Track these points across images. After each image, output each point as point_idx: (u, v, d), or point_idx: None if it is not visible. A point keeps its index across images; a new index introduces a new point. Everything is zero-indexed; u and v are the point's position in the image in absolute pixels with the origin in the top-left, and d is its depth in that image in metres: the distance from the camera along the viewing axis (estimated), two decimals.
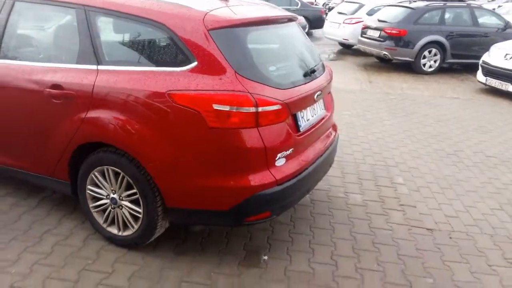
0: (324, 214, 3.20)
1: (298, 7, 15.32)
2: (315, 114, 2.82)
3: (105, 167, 2.52)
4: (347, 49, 12.39)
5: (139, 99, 2.31)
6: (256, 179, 2.29)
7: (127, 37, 2.51)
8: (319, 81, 2.79)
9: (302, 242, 2.83)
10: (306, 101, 2.62)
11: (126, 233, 2.61)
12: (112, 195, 2.57)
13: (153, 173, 2.35)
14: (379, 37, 9.29)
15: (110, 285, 2.32)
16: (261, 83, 2.28)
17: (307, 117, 2.70)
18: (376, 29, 9.46)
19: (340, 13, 12.13)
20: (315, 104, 2.81)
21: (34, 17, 2.84)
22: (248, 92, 2.20)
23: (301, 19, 12.54)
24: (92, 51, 2.50)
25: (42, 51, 2.78)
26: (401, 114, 6.10)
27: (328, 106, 3.10)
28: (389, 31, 8.97)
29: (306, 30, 15.63)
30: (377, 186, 3.72)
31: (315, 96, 2.69)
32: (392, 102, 6.77)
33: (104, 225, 2.67)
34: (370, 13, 11.05)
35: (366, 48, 9.82)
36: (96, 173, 2.58)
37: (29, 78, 2.64)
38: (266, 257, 2.66)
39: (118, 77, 2.39)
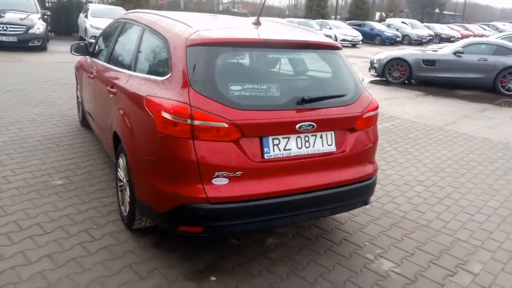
0: (322, 267, 2.77)
1: None
2: (308, 147, 2.56)
3: (122, 154, 3.05)
4: None
5: (134, 100, 2.75)
6: (185, 190, 2.34)
7: (149, 50, 2.99)
8: (315, 112, 2.51)
9: (265, 283, 2.59)
10: (280, 128, 2.44)
11: (125, 214, 3.05)
12: (123, 179, 3.07)
13: (130, 164, 2.72)
14: None
15: (86, 248, 2.80)
16: (211, 99, 2.32)
17: (287, 146, 2.50)
18: None
19: None
20: (309, 136, 2.55)
21: (126, 34, 3.68)
22: (189, 105, 2.29)
23: None
24: (134, 59, 3.09)
25: (118, 58, 3.57)
26: None
27: (344, 144, 2.70)
28: None
29: None
30: (431, 263, 2.89)
31: (297, 126, 2.45)
32: None
33: (121, 203, 3.20)
34: None
35: None
36: (120, 158, 3.14)
37: (107, 76, 3.47)
38: (214, 279, 2.59)
39: (134, 81, 2.89)
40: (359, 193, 2.83)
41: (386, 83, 11.26)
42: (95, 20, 15.19)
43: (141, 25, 3.25)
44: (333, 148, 2.66)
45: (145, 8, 27.37)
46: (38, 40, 12.55)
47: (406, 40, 29.21)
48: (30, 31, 12.41)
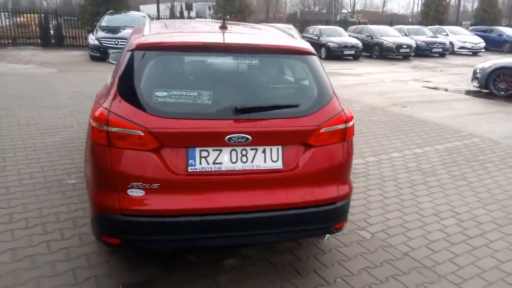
0: None
1: None
2: (245, 162, 2.29)
3: None
4: None
5: None
6: (102, 198, 2.28)
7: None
8: (251, 124, 2.24)
9: None
10: (208, 139, 2.22)
11: None
12: None
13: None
14: None
15: (49, 246, 2.91)
16: (132, 105, 2.22)
17: (218, 159, 2.26)
18: None
19: None
20: (247, 150, 2.29)
21: None
22: (109, 111, 2.22)
23: None
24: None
25: None
26: None
27: (295, 161, 2.35)
28: None
29: None
30: None
31: (226, 138, 2.20)
32: None
33: None
34: None
35: None
36: None
37: None
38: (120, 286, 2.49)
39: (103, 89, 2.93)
40: (316, 219, 2.43)
41: (490, 96, 9.77)
42: None
43: None
44: (279, 164, 2.33)
45: (252, 21, 28.07)
46: None
47: None
48: None
